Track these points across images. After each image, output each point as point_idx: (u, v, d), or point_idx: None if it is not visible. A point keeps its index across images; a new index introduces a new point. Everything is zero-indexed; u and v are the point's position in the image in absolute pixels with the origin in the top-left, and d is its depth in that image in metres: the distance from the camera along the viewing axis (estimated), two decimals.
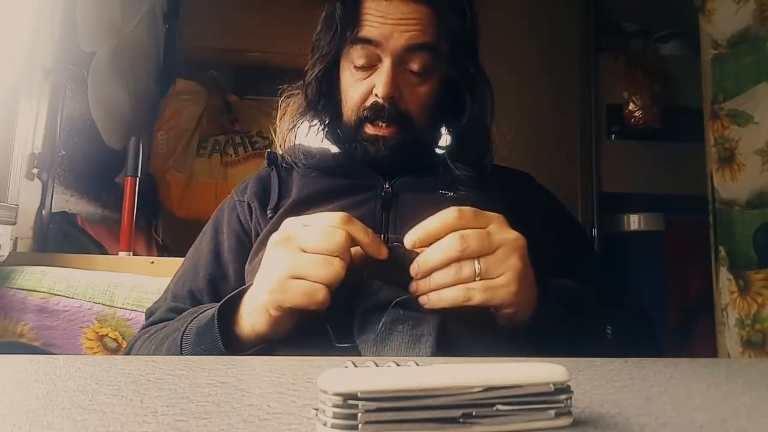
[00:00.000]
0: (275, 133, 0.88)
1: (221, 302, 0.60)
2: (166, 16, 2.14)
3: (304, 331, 0.57)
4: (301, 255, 0.54)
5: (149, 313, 0.79)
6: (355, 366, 0.30)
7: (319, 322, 0.56)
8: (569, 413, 0.27)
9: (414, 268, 0.55)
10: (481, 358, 0.51)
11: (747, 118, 1.60)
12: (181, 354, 0.60)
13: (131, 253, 1.51)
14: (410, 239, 0.55)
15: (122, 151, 1.70)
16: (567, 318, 0.59)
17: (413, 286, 0.56)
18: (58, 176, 1.48)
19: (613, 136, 2.24)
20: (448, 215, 0.54)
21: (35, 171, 1.36)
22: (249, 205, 0.79)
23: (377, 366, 0.29)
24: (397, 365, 0.30)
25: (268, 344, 0.58)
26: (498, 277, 0.53)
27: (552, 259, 0.64)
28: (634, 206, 2.17)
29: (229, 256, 0.77)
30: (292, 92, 0.85)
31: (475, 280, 0.53)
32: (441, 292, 0.54)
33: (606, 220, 2.18)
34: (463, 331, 0.56)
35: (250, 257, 0.74)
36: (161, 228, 2.14)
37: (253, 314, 0.57)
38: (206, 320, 0.59)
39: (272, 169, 0.83)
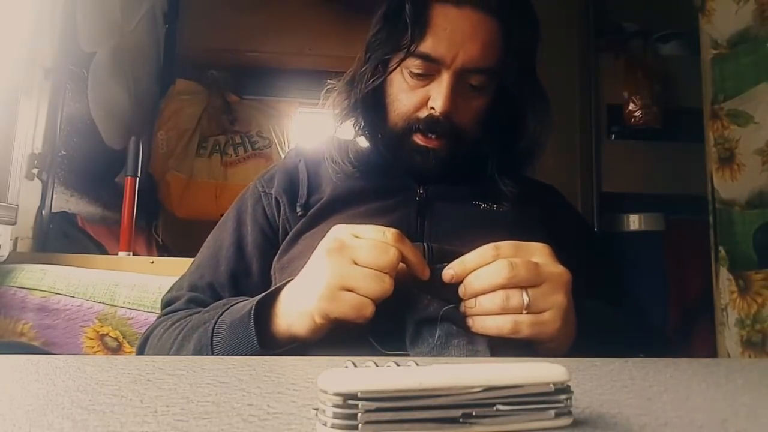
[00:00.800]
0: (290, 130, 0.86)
1: (259, 298, 0.58)
2: (166, 16, 2.14)
3: (345, 337, 0.56)
4: (354, 267, 0.53)
5: (166, 302, 0.76)
6: (355, 366, 0.30)
7: (360, 330, 0.55)
8: (569, 413, 0.27)
9: (461, 290, 0.54)
10: (483, 359, 0.51)
11: (747, 118, 1.60)
12: (212, 347, 0.59)
13: (131, 253, 1.51)
14: (448, 274, 0.54)
15: (122, 151, 1.70)
16: (603, 347, 0.58)
17: (463, 305, 0.55)
18: (58, 176, 1.48)
19: (613, 136, 2.24)
20: (486, 253, 0.53)
21: (35, 171, 1.36)
22: (277, 199, 0.77)
23: (377, 366, 0.29)
24: (397, 365, 0.30)
25: (301, 346, 0.57)
26: (544, 312, 0.52)
27: (578, 276, 0.64)
28: (634, 206, 2.17)
29: (253, 250, 0.75)
30: (335, 86, 0.83)
31: (522, 312, 0.52)
32: (486, 319, 0.53)
33: (606, 220, 2.18)
34: (515, 344, 0.55)
35: (278, 255, 0.73)
36: (161, 228, 2.14)
37: (294, 317, 0.56)
38: (241, 315, 0.58)
39: (299, 162, 0.81)
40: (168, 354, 0.65)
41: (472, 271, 0.53)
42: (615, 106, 2.21)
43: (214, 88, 2.14)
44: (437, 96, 0.72)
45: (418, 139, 0.75)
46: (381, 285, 0.52)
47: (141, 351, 0.72)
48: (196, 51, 2.20)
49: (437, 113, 0.72)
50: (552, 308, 0.52)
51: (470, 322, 0.54)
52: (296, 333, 0.56)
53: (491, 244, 0.54)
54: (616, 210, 2.19)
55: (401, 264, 0.54)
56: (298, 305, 0.56)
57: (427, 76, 0.74)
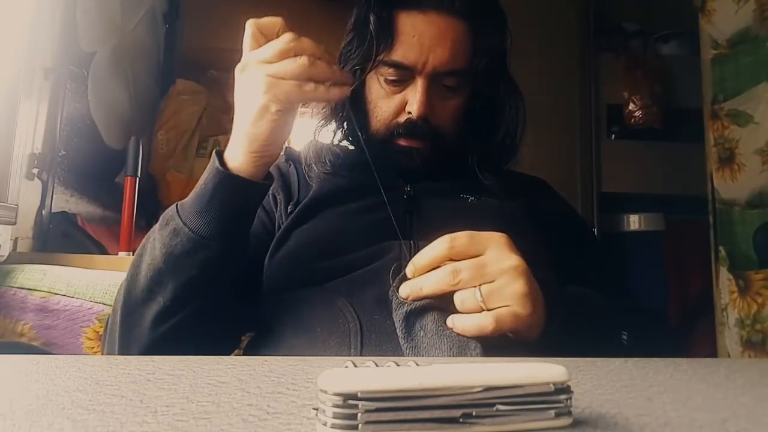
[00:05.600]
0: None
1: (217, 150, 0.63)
2: (166, 16, 2.14)
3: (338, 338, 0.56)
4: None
5: None
6: (355, 366, 0.30)
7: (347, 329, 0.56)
8: (569, 413, 0.27)
9: (405, 291, 0.54)
10: (483, 358, 0.51)
11: (747, 118, 1.60)
12: (179, 213, 0.61)
13: (131, 253, 1.51)
14: (410, 269, 0.54)
15: (122, 151, 1.70)
16: (580, 329, 0.57)
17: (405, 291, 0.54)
18: (58, 176, 1.48)
19: (613, 136, 2.24)
20: (440, 246, 0.53)
21: (35, 171, 1.36)
22: (274, 195, 0.78)
23: (377, 366, 0.29)
24: (397, 365, 0.30)
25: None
26: (504, 307, 0.51)
27: (567, 265, 0.63)
28: (634, 206, 2.17)
29: (252, 240, 0.74)
30: None
31: (482, 309, 0.51)
32: (465, 319, 0.51)
33: (606, 220, 2.18)
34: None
35: (270, 253, 0.72)
36: None
37: (251, 127, 0.59)
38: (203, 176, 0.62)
39: (289, 165, 0.83)
40: (139, 272, 0.63)
41: (427, 266, 0.53)
42: (615, 106, 2.21)
43: (214, 88, 2.14)
44: (413, 101, 0.74)
45: (401, 141, 0.76)
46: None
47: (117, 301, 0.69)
48: (196, 51, 2.20)
49: (415, 117, 0.74)
50: (511, 302, 0.51)
51: (450, 323, 0.52)
52: (251, 141, 0.60)
53: (446, 236, 0.53)
54: (616, 210, 2.19)
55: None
56: (242, 119, 0.60)
57: (401, 81, 0.75)
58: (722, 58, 1.67)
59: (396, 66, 0.74)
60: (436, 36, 0.73)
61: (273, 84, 0.57)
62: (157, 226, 0.63)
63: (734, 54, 1.65)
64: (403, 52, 0.73)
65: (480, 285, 0.51)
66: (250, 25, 0.61)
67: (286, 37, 0.59)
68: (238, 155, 0.61)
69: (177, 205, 0.62)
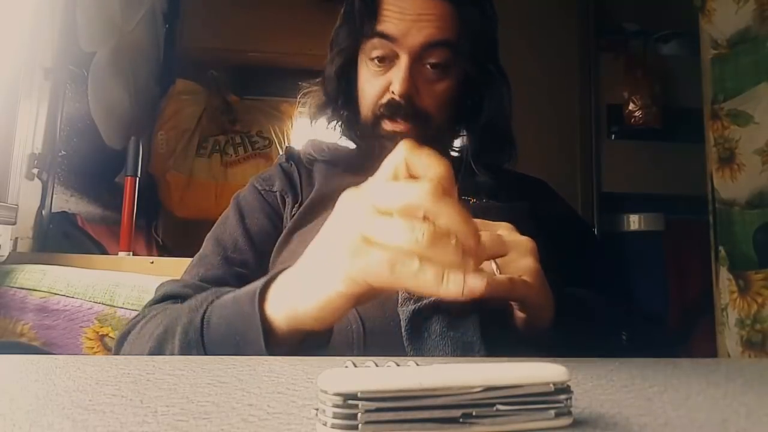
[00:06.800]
0: (290, 130, 0.88)
1: (261, 284, 0.49)
2: (166, 16, 2.14)
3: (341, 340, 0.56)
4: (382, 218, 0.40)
5: (160, 296, 0.70)
6: (355, 366, 0.30)
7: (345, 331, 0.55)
8: (569, 413, 0.27)
9: None
10: (482, 359, 0.51)
11: (747, 118, 1.60)
12: (203, 343, 0.50)
13: (131, 253, 1.51)
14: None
15: (122, 151, 1.70)
16: (585, 327, 0.57)
17: None
18: (58, 176, 1.48)
19: (613, 136, 2.24)
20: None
21: (35, 171, 1.36)
22: (282, 196, 0.78)
23: (377, 366, 0.29)
24: (397, 365, 0.30)
25: (305, 346, 0.49)
26: (521, 276, 0.51)
27: (568, 267, 0.63)
28: (634, 206, 2.17)
29: (262, 237, 0.74)
30: (311, 89, 0.86)
31: (495, 274, 0.50)
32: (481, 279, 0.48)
33: (606, 220, 2.18)
34: (504, 334, 0.54)
35: (274, 254, 0.72)
36: (161, 228, 2.14)
37: (303, 300, 0.44)
38: (238, 306, 0.50)
39: (291, 165, 0.83)
40: (146, 351, 0.57)
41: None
42: (615, 106, 2.21)
43: (214, 88, 2.14)
44: (396, 79, 0.74)
45: (386, 125, 0.76)
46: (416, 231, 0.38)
47: (119, 348, 0.64)
48: (196, 51, 2.20)
49: (398, 96, 0.74)
50: (524, 274, 0.51)
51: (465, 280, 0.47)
52: (305, 320, 0.45)
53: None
54: (616, 210, 2.19)
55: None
56: (310, 283, 0.44)
57: (387, 60, 0.76)
58: (722, 58, 1.67)
59: (379, 35, 0.74)
60: (419, 12, 0.74)
61: (361, 251, 0.40)
62: (177, 337, 0.53)
63: (734, 54, 1.65)
64: (386, 24, 0.74)
65: (495, 257, 0.50)
66: (402, 151, 0.42)
67: (426, 188, 0.38)
68: (280, 320, 0.47)
69: (203, 330, 0.51)
